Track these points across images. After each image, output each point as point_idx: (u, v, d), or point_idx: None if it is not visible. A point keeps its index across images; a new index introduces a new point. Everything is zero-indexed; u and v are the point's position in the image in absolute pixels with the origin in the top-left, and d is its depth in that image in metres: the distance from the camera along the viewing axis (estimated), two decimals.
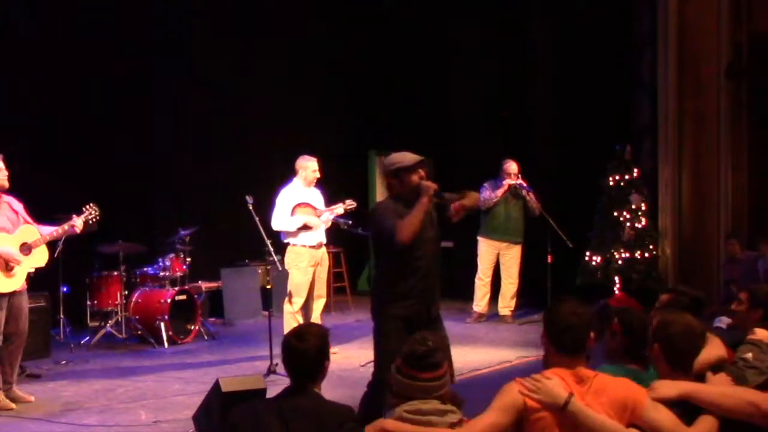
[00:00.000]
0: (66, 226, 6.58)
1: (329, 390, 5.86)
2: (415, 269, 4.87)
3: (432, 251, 4.97)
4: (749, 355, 3.63)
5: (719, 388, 3.32)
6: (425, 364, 3.21)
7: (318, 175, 8.09)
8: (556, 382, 3.11)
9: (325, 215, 8.06)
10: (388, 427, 3.17)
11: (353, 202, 8.17)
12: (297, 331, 3.47)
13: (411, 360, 3.23)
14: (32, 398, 6.47)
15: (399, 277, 4.86)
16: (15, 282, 6.27)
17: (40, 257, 6.49)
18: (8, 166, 6.33)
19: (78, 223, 6.62)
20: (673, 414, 3.12)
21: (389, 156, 5.00)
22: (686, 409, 3.17)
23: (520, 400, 3.10)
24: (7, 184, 6.31)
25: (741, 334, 4.18)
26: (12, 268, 6.22)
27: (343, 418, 3.29)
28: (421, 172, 4.91)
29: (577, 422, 3.05)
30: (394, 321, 4.83)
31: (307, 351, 3.34)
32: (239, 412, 3.40)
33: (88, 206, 6.82)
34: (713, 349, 3.89)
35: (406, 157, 4.93)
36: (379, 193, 12.81)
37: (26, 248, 6.35)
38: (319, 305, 8.10)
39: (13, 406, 6.30)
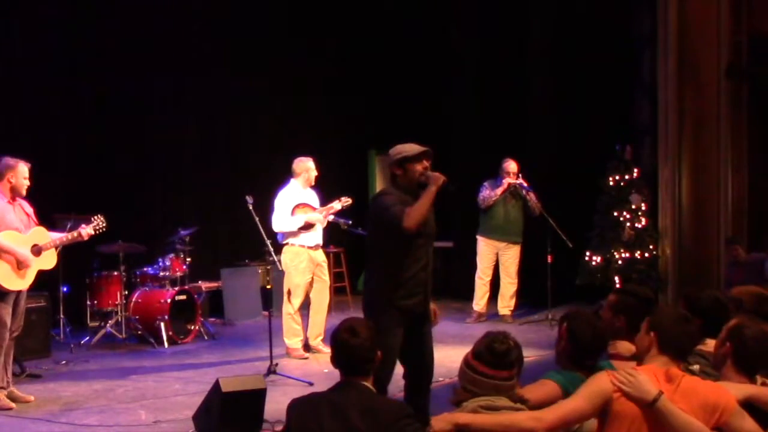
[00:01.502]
0: (75, 233, 6.68)
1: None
2: (418, 258, 4.87)
3: (431, 242, 5.00)
4: (696, 367, 3.62)
5: None
6: (503, 362, 3.20)
7: (315, 173, 8.11)
8: (648, 379, 3.14)
9: (323, 215, 8.05)
10: (461, 421, 3.15)
11: (349, 199, 8.17)
12: (348, 326, 3.43)
13: (488, 356, 3.21)
14: (32, 398, 6.47)
15: (400, 267, 4.84)
16: (25, 282, 6.35)
17: (49, 260, 6.56)
18: (32, 178, 6.42)
19: (86, 233, 6.72)
20: (756, 424, 3.14)
21: (394, 147, 5.00)
22: (757, 414, 3.19)
23: (609, 390, 3.14)
24: (24, 193, 6.42)
25: None
26: (23, 268, 6.26)
27: (398, 414, 3.27)
28: (426, 163, 4.92)
29: (664, 420, 3.07)
30: (395, 314, 4.80)
31: (359, 345, 3.33)
32: (296, 407, 3.38)
33: (96, 217, 6.94)
34: None
35: (411, 147, 4.94)
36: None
37: (37, 250, 6.41)
38: (322, 316, 8.08)
39: (14, 405, 6.31)
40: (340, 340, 3.37)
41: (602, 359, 3.74)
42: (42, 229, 6.53)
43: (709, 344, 3.87)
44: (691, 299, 4.16)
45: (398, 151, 4.95)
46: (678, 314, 3.37)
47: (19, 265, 6.25)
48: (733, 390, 3.23)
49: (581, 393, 3.17)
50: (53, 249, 6.58)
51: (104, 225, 6.97)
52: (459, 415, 3.19)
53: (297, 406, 3.39)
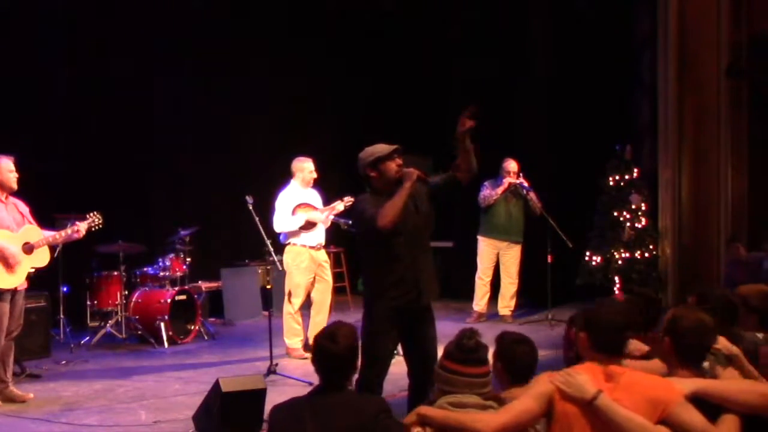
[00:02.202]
0: (69, 231, 6.63)
1: None
2: (399, 256, 4.79)
3: (417, 240, 4.88)
4: (705, 364, 3.64)
5: (732, 383, 3.35)
6: (472, 358, 3.25)
7: (315, 175, 8.09)
8: (587, 378, 3.15)
9: (325, 214, 8.06)
10: (427, 414, 3.23)
11: (351, 199, 8.16)
12: (328, 332, 3.49)
13: (458, 354, 3.27)
14: (31, 395, 6.47)
15: (383, 267, 4.81)
16: (16, 279, 6.30)
17: (41, 257, 6.52)
18: (18, 170, 6.38)
19: (81, 229, 6.67)
20: (703, 416, 3.14)
21: (363, 151, 4.93)
22: (704, 407, 3.19)
23: (550, 391, 3.17)
24: (15, 186, 6.39)
25: None
26: (12, 266, 6.23)
27: (377, 409, 3.34)
28: (399, 160, 4.86)
29: (604, 417, 3.08)
30: (384, 315, 4.78)
31: (339, 352, 3.39)
32: (277, 412, 3.45)
33: (92, 214, 6.87)
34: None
35: (382, 147, 4.88)
36: None
37: (28, 248, 6.38)
38: (324, 317, 8.08)
39: (31, 395, 6.36)
40: (319, 347, 3.44)
41: None
42: (34, 227, 6.49)
43: (720, 342, 3.90)
44: (703, 297, 4.21)
45: (369, 153, 4.89)
46: (610, 311, 3.34)
47: (9, 262, 6.20)
48: (681, 385, 3.23)
49: (529, 394, 3.21)
50: (46, 247, 6.53)
51: (100, 222, 6.89)
52: (425, 408, 3.27)
53: (278, 412, 3.46)
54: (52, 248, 7.59)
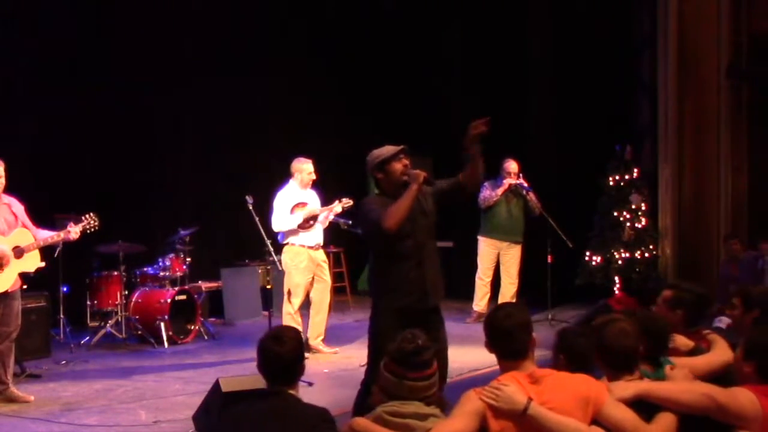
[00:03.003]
0: (62, 234, 6.57)
1: (328, 390, 5.87)
2: (405, 257, 4.81)
3: (424, 241, 4.90)
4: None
5: (674, 384, 3.32)
6: (413, 362, 3.13)
7: (314, 176, 8.09)
8: (515, 389, 3.07)
9: (323, 215, 8.06)
10: (355, 428, 3.13)
11: (350, 200, 8.18)
12: (274, 333, 3.40)
13: (398, 358, 3.15)
14: (32, 398, 6.46)
15: (390, 268, 4.82)
16: (4, 283, 6.24)
17: (31, 262, 6.45)
18: (8, 172, 6.33)
19: (74, 231, 6.60)
20: (633, 412, 3.11)
21: (370, 153, 4.96)
22: (643, 407, 3.16)
23: (481, 408, 3.06)
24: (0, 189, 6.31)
25: (737, 337, 4.15)
26: (1, 268, 6.20)
27: (316, 420, 3.23)
28: (405, 161, 4.88)
29: (538, 426, 3.03)
30: (390, 316, 4.77)
31: (284, 354, 3.29)
32: (222, 420, 3.42)
33: (87, 215, 6.81)
34: (720, 352, 3.88)
35: (388, 149, 4.91)
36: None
37: (19, 251, 6.32)
38: (323, 317, 8.08)
39: (31, 398, 6.36)
40: (264, 348, 3.34)
41: (663, 355, 3.68)
42: (25, 231, 6.42)
43: (678, 339, 3.91)
44: (746, 294, 4.26)
45: (376, 155, 4.92)
46: (503, 315, 3.30)
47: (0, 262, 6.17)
48: (621, 389, 3.19)
49: (457, 413, 3.08)
50: (37, 251, 6.46)
51: (96, 224, 6.84)
52: (356, 420, 3.17)
53: (222, 419, 3.41)
54: (52, 249, 7.62)
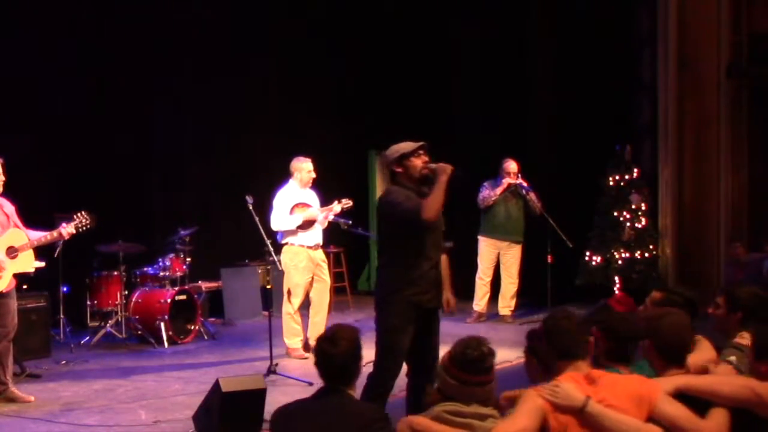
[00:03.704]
0: (55, 233, 6.53)
1: None
2: (428, 256, 4.91)
3: (439, 240, 5.02)
4: (732, 358, 3.64)
5: (715, 377, 3.37)
6: (477, 368, 3.21)
7: (313, 175, 8.09)
8: (572, 386, 3.14)
9: (323, 215, 8.06)
10: (416, 427, 3.17)
11: (349, 201, 8.18)
12: (329, 334, 3.46)
13: (463, 363, 3.22)
14: (32, 398, 6.45)
15: (410, 262, 4.86)
16: (1, 284, 6.22)
17: (26, 262, 6.43)
18: (6, 172, 6.32)
19: (67, 230, 6.57)
20: (687, 408, 3.16)
21: (389, 148, 5.01)
22: (691, 402, 3.20)
23: (541, 404, 3.13)
24: (0, 190, 6.31)
25: (722, 338, 4.16)
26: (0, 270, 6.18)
27: (372, 417, 3.30)
28: (424, 157, 4.94)
29: (596, 423, 3.09)
30: (405, 310, 4.81)
31: (338, 355, 3.36)
32: (279, 414, 3.45)
33: (79, 214, 6.73)
34: (703, 352, 3.90)
35: (408, 144, 4.96)
36: (379, 193, 12.78)
37: (12, 251, 6.31)
38: (323, 316, 8.08)
39: (32, 398, 6.36)
40: (320, 350, 3.41)
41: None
42: (18, 231, 6.40)
43: (746, 337, 3.91)
44: (732, 294, 4.23)
45: (395, 150, 4.98)
46: (562, 317, 3.36)
47: None
48: (665, 382, 3.25)
49: (521, 412, 3.13)
50: (31, 251, 6.44)
51: (87, 221, 6.74)
52: (418, 420, 3.22)
53: (279, 414, 3.45)
54: (51, 249, 7.62)
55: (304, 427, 3.27)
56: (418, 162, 4.91)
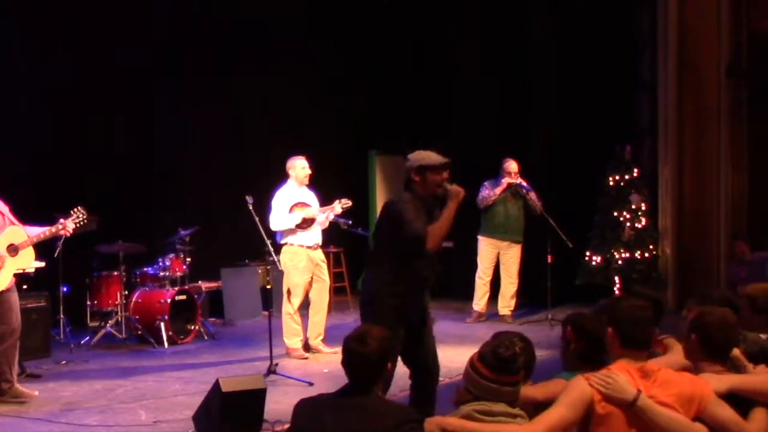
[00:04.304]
0: (53, 229, 6.53)
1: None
2: (419, 273, 4.92)
3: (435, 261, 5.03)
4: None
5: (764, 377, 3.38)
6: (508, 368, 3.19)
7: (308, 171, 8.09)
8: (625, 379, 3.15)
9: (323, 215, 8.06)
10: (446, 427, 3.16)
11: (348, 201, 8.18)
12: (358, 334, 3.43)
13: (494, 362, 3.19)
14: (36, 393, 6.44)
15: (406, 277, 4.87)
16: (1, 282, 6.22)
17: (26, 259, 6.45)
18: (7, 171, 6.33)
19: (68, 226, 6.57)
20: (734, 411, 3.18)
21: (416, 152, 4.98)
22: (735, 402, 3.23)
23: (589, 395, 3.13)
24: None
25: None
26: None
27: (403, 419, 3.26)
28: (445, 175, 4.92)
29: (646, 418, 3.10)
30: (389, 316, 4.79)
31: (368, 355, 3.33)
32: (301, 407, 3.42)
33: (76, 209, 6.73)
34: (676, 356, 3.90)
35: (434, 157, 4.93)
36: (379, 193, 12.82)
37: (13, 249, 6.32)
38: (322, 316, 8.08)
39: (36, 393, 6.35)
40: (349, 348, 3.38)
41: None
42: (17, 228, 6.41)
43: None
44: (703, 298, 4.21)
45: (420, 157, 4.93)
46: (632, 305, 3.37)
47: None
48: (716, 382, 3.26)
49: (563, 401, 3.15)
50: (31, 248, 6.45)
51: (85, 217, 6.73)
52: (449, 420, 3.20)
53: (302, 407, 3.42)
54: (52, 249, 7.61)
55: (333, 422, 3.24)
56: (438, 178, 4.88)
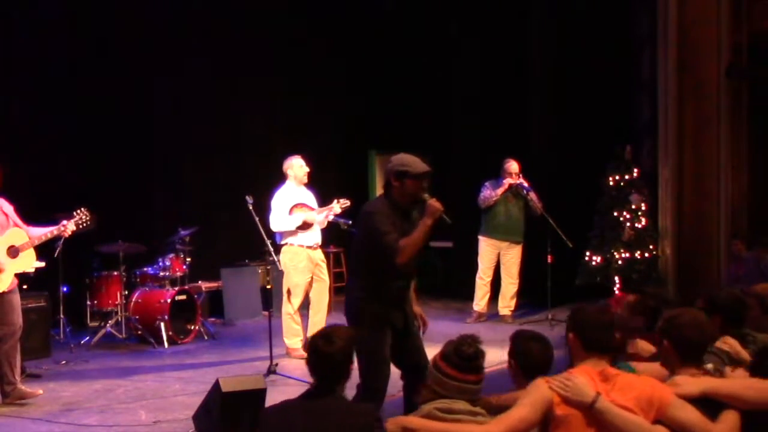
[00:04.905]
0: (55, 230, 6.54)
1: None
2: (398, 277, 4.88)
3: (412, 264, 4.97)
4: (710, 365, 3.65)
5: (741, 381, 3.35)
6: (471, 366, 3.23)
7: (307, 169, 8.10)
8: (584, 381, 3.16)
9: (322, 215, 8.06)
10: (407, 426, 3.18)
11: (347, 201, 8.18)
12: (324, 333, 3.44)
13: (456, 360, 3.23)
14: (40, 391, 6.44)
15: (383, 283, 4.85)
16: (1, 284, 6.21)
17: (27, 261, 6.45)
18: (6, 171, 6.32)
19: (69, 227, 6.58)
20: (699, 412, 3.16)
21: (399, 155, 4.92)
22: (706, 404, 3.21)
23: (548, 397, 3.15)
24: None
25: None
26: None
27: (370, 418, 3.29)
28: (424, 184, 4.86)
29: (604, 420, 3.10)
30: (374, 321, 4.79)
31: (334, 354, 3.34)
32: (269, 415, 3.43)
33: (79, 211, 6.75)
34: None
35: (416, 165, 4.85)
36: (379, 193, 12.80)
37: (13, 251, 6.31)
38: (322, 316, 8.08)
39: (40, 392, 6.35)
40: (314, 347, 3.38)
41: (620, 360, 3.72)
42: (19, 230, 6.40)
43: (728, 342, 3.89)
44: (711, 297, 4.21)
45: (402, 162, 4.87)
46: (594, 310, 3.38)
47: None
48: (689, 386, 3.24)
49: (525, 402, 3.17)
50: (32, 249, 6.45)
51: (88, 218, 6.76)
52: (410, 419, 3.22)
53: (269, 414, 3.44)
54: (52, 249, 7.61)
55: (299, 428, 3.24)
56: (417, 187, 4.82)
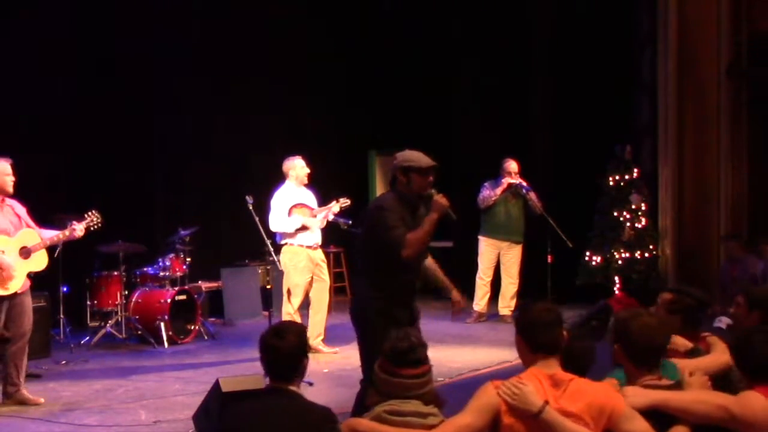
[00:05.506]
0: (67, 232, 6.57)
1: (328, 390, 5.89)
2: (408, 273, 4.91)
3: (423, 259, 5.00)
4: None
5: (691, 395, 3.27)
6: (407, 360, 3.17)
7: (307, 170, 8.11)
8: (532, 389, 3.08)
9: (321, 215, 8.06)
10: (357, 428, 3.14)
11: (347, 200, 8.18)
12: (275, 328, 3.40)
13: (392, 356, 3.19)
14: (42, 400, 6.41)
15: (391, 281, 4.86)
16: (12, 286, 6.22)
17: (39, 261, 6.46)
18: (15, 173, 6.35)
19: (79, 229, 6.61)
20: (648, 425, 3.09)
21: (404, 151, 4.94)
22: (657, 417, 3.14)
23: (495, 404, 3.08)
24: (11, 190, 6.33)
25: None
26: (6, 279, 6.16)
27: (322, 419, 3.24)
28: (431, 178, 4.89)
29: (549, 430, 3.03)
30: (380, 319, 4.79)
31: (285, 349, 3.28)
32: (228, 413, 3.40)
33: (90, 213, 6.81)
34: (719, 354, 3.87)
35: (422, 159, 4.88)
36: (379, 193, 12.80)
37: (25, 252, 6.32)
38: (322, 316, 8.08)
39: (41, 400, 6.34)
40: (266, 344, 3.33)
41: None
42: (31, 231, 6.42)
43: (676, 340, 3.87)
44: (750, 293, 4.20)
45: (407, 158, 4.89)
46: (538, 309, 3.26)
47: (2, 275, 6.12)
48: (637, 397, 3.16)
49: (470, 407, 3.10)
50: (44, 250, 6.47)
51: (99, 221, 6.83)
52: (360, 421, 3.19)
53: (228, 413, 3.40)
54: (52, 248, 7.61)
55: (260, 424, 3.20)
56: (423, 181, 4.85)
